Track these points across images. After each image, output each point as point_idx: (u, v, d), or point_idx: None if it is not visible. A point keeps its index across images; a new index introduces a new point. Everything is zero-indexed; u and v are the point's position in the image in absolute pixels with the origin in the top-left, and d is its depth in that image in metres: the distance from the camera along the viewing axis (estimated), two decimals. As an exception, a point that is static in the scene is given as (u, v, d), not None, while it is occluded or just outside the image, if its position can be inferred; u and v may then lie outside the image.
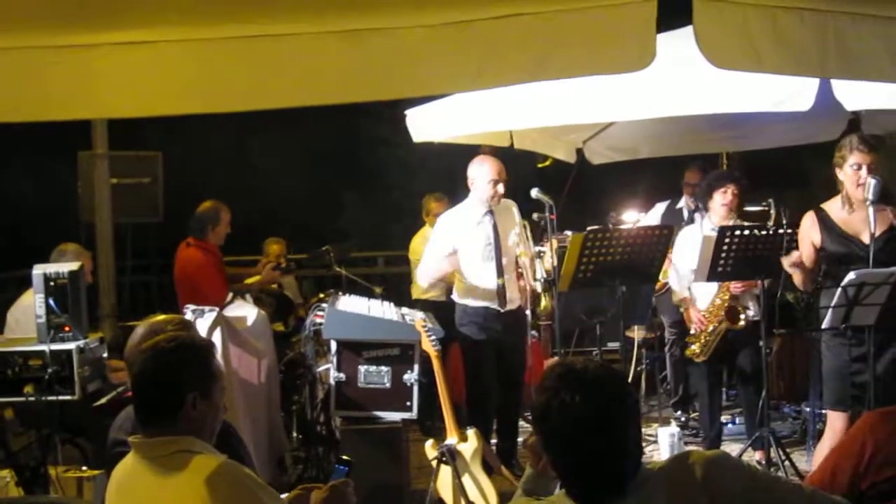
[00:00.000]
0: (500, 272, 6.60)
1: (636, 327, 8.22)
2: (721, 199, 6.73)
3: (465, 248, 6.63)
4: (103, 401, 5.37)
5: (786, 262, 5.54)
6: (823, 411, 5.77)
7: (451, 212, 6.85)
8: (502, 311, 6.62)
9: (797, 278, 5.54)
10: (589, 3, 3.11)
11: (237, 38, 3.31)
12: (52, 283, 5.19)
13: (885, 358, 5.23)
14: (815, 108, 5.81)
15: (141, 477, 2.91)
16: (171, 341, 3.01)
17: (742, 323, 6.61)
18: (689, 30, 3.11)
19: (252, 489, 2.88)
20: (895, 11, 3.37)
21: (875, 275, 5.05)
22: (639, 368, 8.55)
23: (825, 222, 5.39)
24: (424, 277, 6.93)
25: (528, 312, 6.72)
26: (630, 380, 8.09)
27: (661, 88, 6.10)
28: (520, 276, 6.71)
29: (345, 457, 3.32)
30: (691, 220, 7.73)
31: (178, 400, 2.91)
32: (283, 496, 3.24)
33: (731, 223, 6.54)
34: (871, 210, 5.14)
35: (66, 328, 5.18)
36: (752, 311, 6.69)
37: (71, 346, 5.09)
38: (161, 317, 4.05)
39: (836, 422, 5.33)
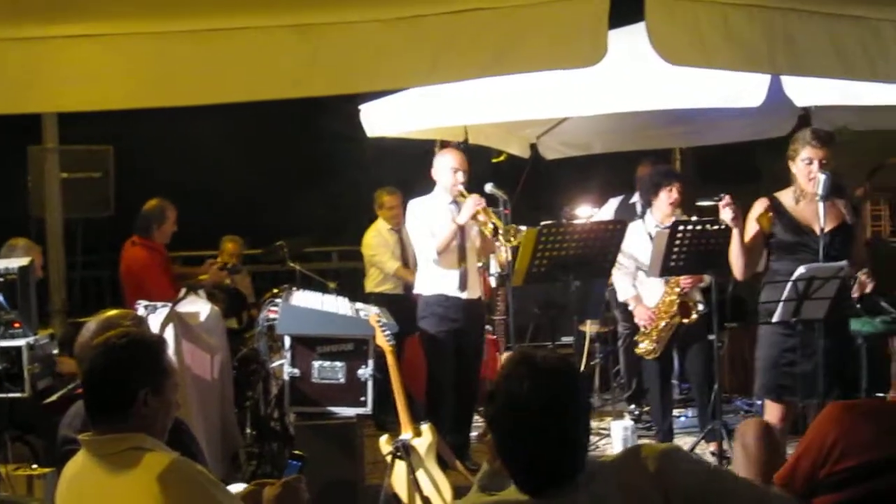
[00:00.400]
0: (463, 258, 6.69)
1: (589, 321, 8.27)
2: (667, 198, 6.82)
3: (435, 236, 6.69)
4: (54, 398, 5.31)
5: (725, 212, 5.43)
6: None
7: (418, 200, 6.88)
8: (463, 297, 6.67)
9: (734, 262, 5.48)
10: (541, -1, 3.12)
11: (191, 32, 3.29)
12: (1, 279, 5.13)
13: (819, 350, 5.26)
14: (766, 104, 5.87)
15: (91, 474, 2.88)
16: (122, 337, 2.98)
17: (694, 316, 6.68)
18: (642, 26, 3.13)
19: (204, 486, 2.86)
20: (840, 8, 3.41)
21: (825, 269, 5.11)
22: (592, 362, 8.60)
23: (778, 209, 5.41)
24: (433, 251, 6.65)
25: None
26: (583, 374, 8.14)
27: (615, 84, 6.14)
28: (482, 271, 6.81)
29: (297, 452, 3.31)
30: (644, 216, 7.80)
31: (130, 396, 2.88)
32: (235, 485, 3.22)
33: (673, 219, 6.59)
34: (821, 205, 5.20)
35: (16, 324, 5.13)
36: (700, 306, 6.77)
37: (21, 342, 5.04)
38: (112, 312, 4.02)
39: (771, 410, 5.40)
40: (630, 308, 7.13)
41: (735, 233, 5.41)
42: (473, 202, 6.46)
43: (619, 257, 6.78)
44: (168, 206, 7.36)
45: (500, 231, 6.41)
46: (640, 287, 7.02)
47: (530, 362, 2.46)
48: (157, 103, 3.43)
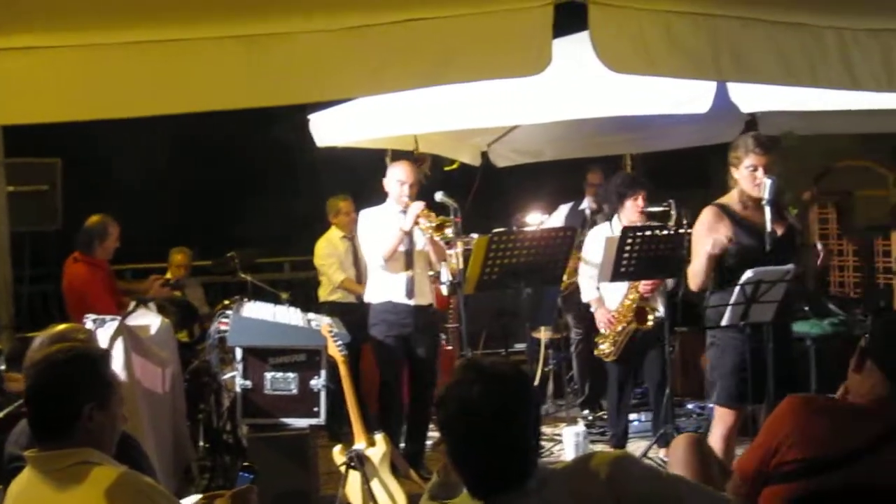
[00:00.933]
0: (410, 264, 6.71)
1: (542, 328, 8.29)
2: (633, 206, 6.84)
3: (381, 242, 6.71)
4: (0, 415, 5.23)
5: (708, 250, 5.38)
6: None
7: (369, 210, 6.92)
8: (411, 303, 6.68)
9: (699, 274, 5.39)
10: (485, 9, 3.13)
11: (135, 43, 3.27)
12: (-55, 295, 5.06)
13: (769, 353, 5.25)
14: (713, 110, 5.92)
15: (37, 491, 2.84)
16: (66, 352, 2.94)
17: (650, 323, 6.72)
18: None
19: (154, 499, 2.83)
20: (783, 16, 3.46)
21: (772, 272, 5.14)
22: (546, 369, 8.62)
23: (732, 216, 5.36)
24: (380, 256, 6.69)
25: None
26: (537, 380, 8.16)
27: (565, 92, 6.17)
28: (434, 279, 6.91)
29: (247, 464, 3.29)
30: (594, 222, 7.84)
31: (74, 411, 2.84)
32: (187, 499, 3.20)
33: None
34: (767, 209, 5.22)
35: (-38, 341, 5.05)
36: (660, 311, 6.81)
37: (-34, 359, 4.96)
38: (63, 326, 3.99)
39: (727, 417, 5.36)
40: (592, 310, 7.16)
41: (709, 258, 5.32)
42: (415, 207, 6.51)
43: (583, 262, 6.79)
44: (110, 223, 7.25)
45: (437, 224, 6.46)
46: (603, 290, 7.05)
47: (479, 368, 2.48)
48: (101, 115, 3.41)
